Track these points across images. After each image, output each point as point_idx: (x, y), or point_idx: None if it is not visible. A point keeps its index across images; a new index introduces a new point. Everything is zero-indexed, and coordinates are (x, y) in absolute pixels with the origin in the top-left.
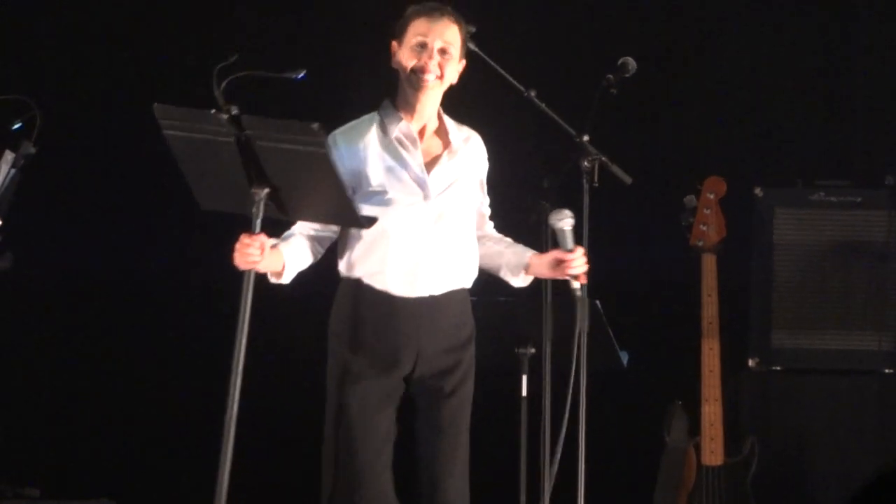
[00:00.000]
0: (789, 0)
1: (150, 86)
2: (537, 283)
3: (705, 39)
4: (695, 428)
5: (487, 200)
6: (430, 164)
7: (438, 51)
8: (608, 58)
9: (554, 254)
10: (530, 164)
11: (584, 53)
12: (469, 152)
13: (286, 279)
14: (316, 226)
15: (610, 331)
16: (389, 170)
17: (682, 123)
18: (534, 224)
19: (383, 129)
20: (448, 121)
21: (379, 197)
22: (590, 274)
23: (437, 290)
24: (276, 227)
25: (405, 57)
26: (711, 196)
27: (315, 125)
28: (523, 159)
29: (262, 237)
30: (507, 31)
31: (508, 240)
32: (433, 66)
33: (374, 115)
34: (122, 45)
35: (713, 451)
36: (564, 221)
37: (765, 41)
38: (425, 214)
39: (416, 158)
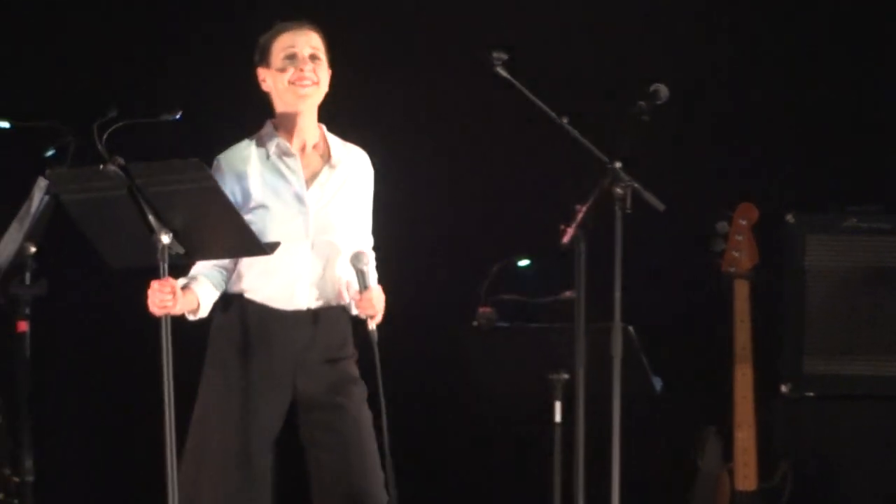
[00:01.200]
0: (820, 24)
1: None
2: (570, 308)
3: (736, 64)
4: (728, 453)
5: (366, 223)
6: (311, 179)
7: (309, 57)
8: (640, 84)
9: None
10: (562, 190)
11: (616, 80)
12: (351, 167)
13: (203, 314)
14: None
15: (643, 357)
16: (269, 186)
17: (713, 149)
18: (566, 250)
19: (263, 147)
20: (331, 137)
21: (260, 212)
22: (624, 300)
23: (315, 303)
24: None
25: (277, 75)
26: (744, 222)
27: (194, 160)
28: (555, 185)
29: (172, 281)
30: (539, 57)
31: (367, 268)
32: (308, 72)
33: (254, 137)
34: (157, 69)
35: (746, 477)
36: (362, 263)
37: (796, 65)
38: (305, 228)
39: (295, 173)
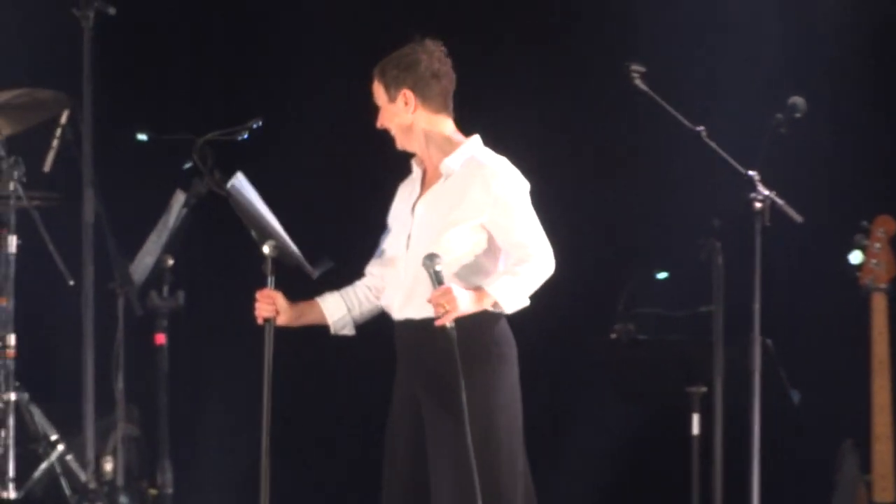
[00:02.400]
0: None
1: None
2: (708, 322)
3: (875, 76)
4: (866, 465)
5: (507, 234)
6: (423, 195)
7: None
8: (778, 96)
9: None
10: (700, 202)
11: (753, 92)
12: (462, 182)
13: (337, 330)
14: (372, 271)
15: (781, 370)
16: (400, 203)
17: (852, 161)
18: (704, 262)
19: (414, 168)
20: (460, 151)
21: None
22: (763, 313)
23: (413, 314)
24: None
25: None
26: (882, 234)
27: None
28: (693, 198)
29: (272, 293)
30: (676, 69)
31: (441, 269)
32: (379, 125)
33: None
34: (285, 81)
35: (884, 489)
36: (435, 265)
37: None
38: (406, 242)
39: (414, 191)
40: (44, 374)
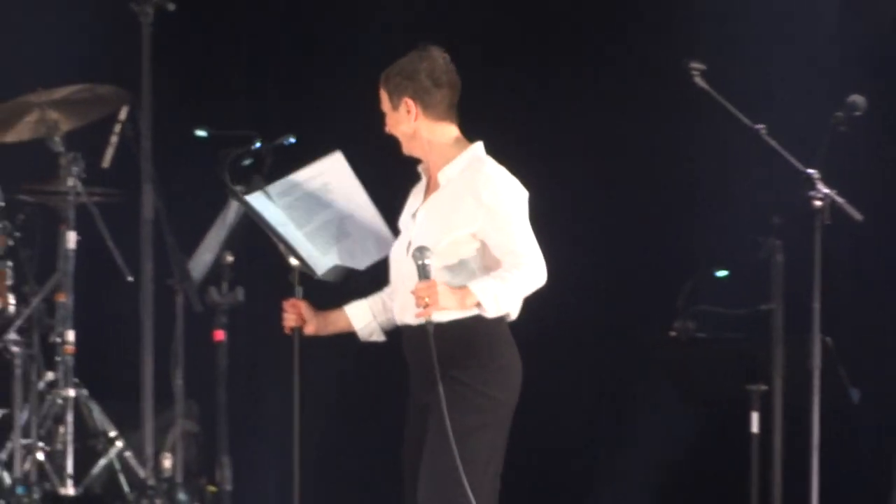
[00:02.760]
0: None
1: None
2: (767, 319)
3: None
4: None
5: (498, 243)
6: (423, 202)
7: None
8: (838, 94)
9: None
10: (760, 200)
11: (813, 90)
12: (458, 191)
13: (365, 338)
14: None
15: (841, 368)
16: (407, 210)
17: None
18: (764, 260)
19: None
20: (460, 158)
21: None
22: (823, 311)
23: (411, 320)
24: None
25: None
26: None
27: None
28: (753, 196)
29: (297, 303)
30: (736, 67)
31: (429, 262)
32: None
33: None
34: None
35: None
36: (424, 258)
37: None
38: (406, 247)
39: (418, 199)
40: (103, 370)
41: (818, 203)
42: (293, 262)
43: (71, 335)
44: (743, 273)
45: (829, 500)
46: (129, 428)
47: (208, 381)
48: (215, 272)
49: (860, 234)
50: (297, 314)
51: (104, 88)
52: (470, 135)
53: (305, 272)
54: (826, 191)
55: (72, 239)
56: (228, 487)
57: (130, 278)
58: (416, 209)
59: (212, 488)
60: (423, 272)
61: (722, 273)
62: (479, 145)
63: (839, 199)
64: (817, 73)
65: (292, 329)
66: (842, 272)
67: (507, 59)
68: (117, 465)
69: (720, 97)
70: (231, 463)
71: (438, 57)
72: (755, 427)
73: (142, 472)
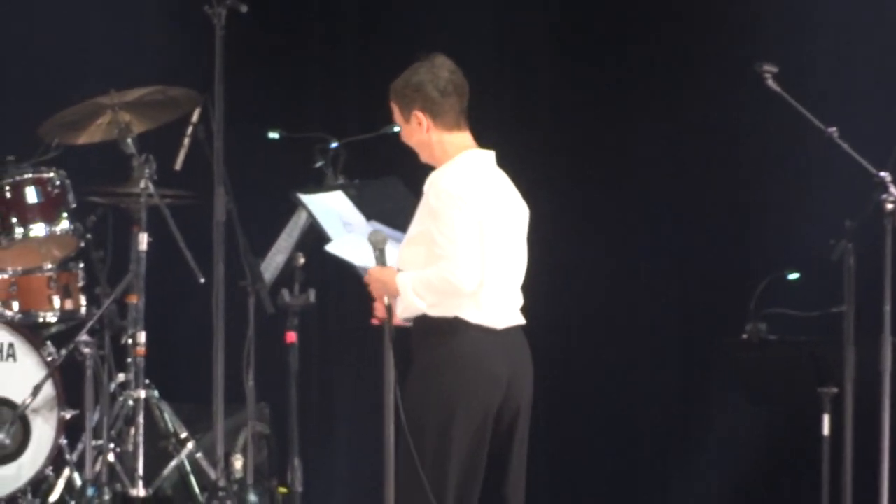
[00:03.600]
0: None
1: None
2: (840, 321)
3: None
4: None
5: (433, 242)
6: None
7: None
8: None
9: None
10: (833, 203)
11: (885, 92)
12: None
13: None
14: None
15: None
16: None
17: None
18: (836, 263)
19: None
20: (443, 168)
21: None
22: (893, 315)
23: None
24: None
25: None
26: None
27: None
28: (826, 199)
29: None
30: (808, 69)
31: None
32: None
33: None
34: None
35: None
36: (381, 244)
37: None
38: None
39: None
40: (174, 372)
41: (890, 206)
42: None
43: (142, 337)
44: (815, 276)
45: None
46: (200, 429)
47: (280, 382)
48: (287, 274)
49: None
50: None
51: (177, 90)
52: (513, 136)
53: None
54: None
55: (143, 240)
56: (299, 489)
57: (202, 280)
58: None
59: (282, 490)
60: (380, 259)
61: (794, 276)
62: (473, 153)
63: None
64: (890, 76)
65: (381, 320)
66: None
67: (581, 58)
68: (188, 467)
69: (792, 100)
70: (302, 465)
71: (443, 65)
72: (826, 430)
73: (212, 474)
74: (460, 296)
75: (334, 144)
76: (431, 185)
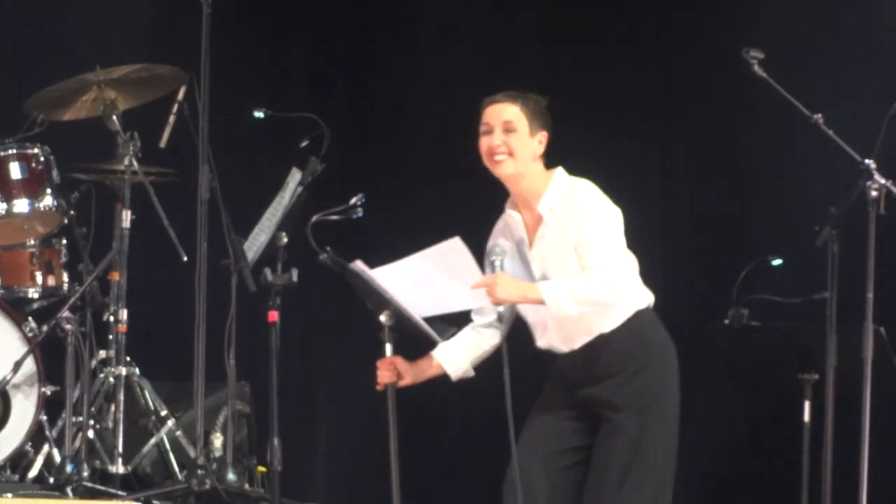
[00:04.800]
0: None
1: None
2: (822, 308)
3: None
4: None
5: (590, 253)
6: (533, 237)
7: (502, 129)
8: None
9: None
10: (817, 190)
11: (871, 79)
12: (563, 212)
13: (458, 377)
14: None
15: (895, 359)
16: (513, 258)
17: None
18: (820, 248)
19: (506, 217)
20: (554, 185)
21: None
22: (877, 302)
23: (567, 344)
24: None
25: (480, 144)
26: None
27: (353, 264)
28: (810, 185)
29: (390, 359)
30: (794, 56)
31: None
32: (497, 142)
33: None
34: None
35: None
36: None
37: None
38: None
39: (516, 235)
40: (155, 349)
41: (874, 193)
42: (383, 319)
43: (124, 314)
44: (798, 262)
45: (879, 491)
46: (180, 407)
47: (261, 362)
48: (270, 253)
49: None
50: (391, 371)
51: (162, 68)
52: None
53: (399, 328)
54: (882, 181)
55: (127, 218)
56: (278, 468)
57: (185, 258)
58: (527, 246)
59: (261, 469)
60: (493, 269)
61: (777, 262)
62: (561, 170)
63: (895, 190)
64: (875, 64)
65: (385, 385)
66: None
67: (554, 48)
68: (167, 445)
69: (778, 86)
70: (281, 444)
71: None
72: (807, 416)
73: (192, 452)
74: (620, 302)
75: (304, 143)
76: (582, 198)
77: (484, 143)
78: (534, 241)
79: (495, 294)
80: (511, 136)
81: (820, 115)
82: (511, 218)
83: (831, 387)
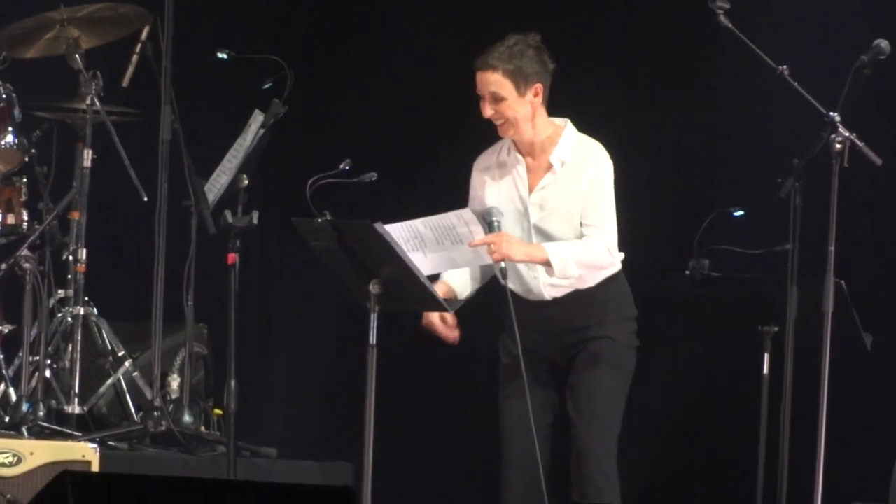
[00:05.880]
0: None
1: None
2: (784, 260)
3: None
4: None
5: (594, 214)
6: (535, 185)
7: (490, 100)
8: (863, 38)
9: None
10: (781, 142)
11: (837, 32)
12: (576, 167)
13: (464, 294)
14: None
15: (854, 312)
16: (501, 192)
17: None
18: (783, 200)
19: (504, 153)
20: (566, 137)
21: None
22: (839, 255)
23: (552, 293)
24: None
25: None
26: None
27: (376, 224)
28: (774, 137)
29: (438, 321)
30: (760, 9)
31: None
32: (489, 113)
33: (500, 141)
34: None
35: None
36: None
37: None
38: (527, 234)
39: (522, 180)
40: (114, 289)
41: (838, 146)
42: (372, 288)
43: (83, 254)
44: (760, 214)
45: (837, 444)
46: (137, 348)
47: (219, 304)
48: (230, 195)
49: (880, 179)
50: (451, 328)
51: (126, 7)
52: None
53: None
54: (846, 134)
55: (88, 157)
56: (234, 411)
57: (145, 198)
58: (527, 191)
59: (218, 411)
60: (493, 229)
61: (739, 213)
62: (569, 123)
63: (859, 143)
64: (841, 17)
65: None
66: (860, 216)
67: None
68: (124, 386)
69: (744, 37)
70: (238, 387)
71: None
72: (766, 368)
73: (148, 393)
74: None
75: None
76: (597, 161)
77: (482, 107)
78: (535, 186)
79: (501, 251)
80: (500, 104)
81: (785, 67)
82: (514, 160)
83: (791, 339)
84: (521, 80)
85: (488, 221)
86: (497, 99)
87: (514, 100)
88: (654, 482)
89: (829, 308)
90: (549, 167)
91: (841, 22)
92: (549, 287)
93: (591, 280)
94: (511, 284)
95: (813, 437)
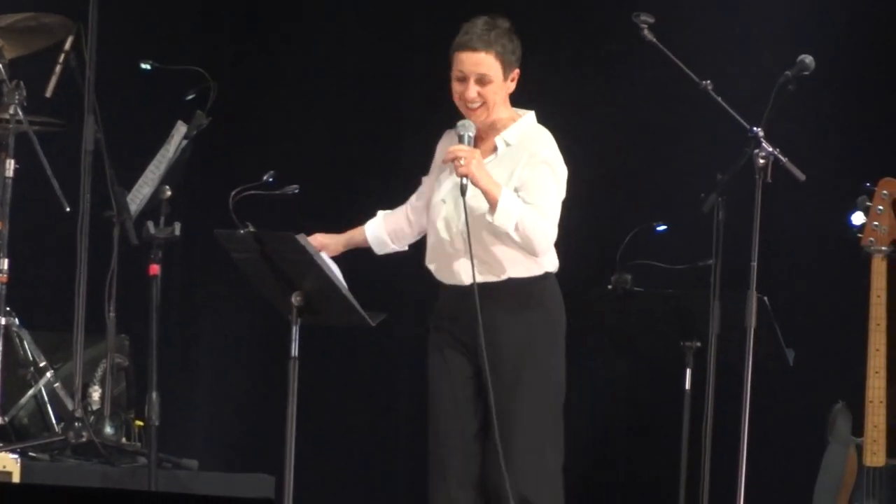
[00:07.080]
0: None
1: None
2: (707, 275)
3: (881, 37)
4: (857, 429)
5: (535, 198)
6: None
7: (476, 81)
8: (786, 54)
9: None
10: (704, 157)
11: (761, 48)
12: (514, 155)
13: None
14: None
15: (777, 328)
16: (447, 167)
17: (858, 121)
18: (707, 215)
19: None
20: (518, 124)
21: (433, 198)
22: (761, 270)
23: (478, 278)
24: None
25: (453, 87)
26: (885, 196)
27: (289, 235)
28: (697, 152)
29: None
30: (685, 23)
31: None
32: (472, 94)
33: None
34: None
35: (875, 453)
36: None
37: None
38: (460, 212)
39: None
40: (35, 300)
41: (762, 161)
42: (294, 300)
43: (5, 263)
44: (683, 228)
45: (759, 459)
46: (59, 359)
47: (141, 315)
48: (153, 206)
49: (803, 195)
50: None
51: (50, 17)
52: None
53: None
54: (770, 149)
55: (10, 167)
56: (156, 422)
57: (68, 209)
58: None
59: (139, 423)
60: (462, 142)
61: (662, 227)
62: (532, 114)
63: (783, 159)
64: (765, 33)
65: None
66: (782, 231)
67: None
68: (45, 396)
69: (668, 51)
70: (159, 398)
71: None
72: (688, 383)
73: (70, 404)
74: (544, 254)
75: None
76: (546, 145)
77: (457, 89)
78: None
79: (468, 167)
80: (486, 86)
81: (709, 82)
82: (466, 139)
83: (713, 354)
84: (507, 64)
85: (460, 135)
86: (484, 81)
87: (499, 83)
88: (574, 500)
89: (751, 323)
90: (495, 148)
91: (765, 37)
92: (470, 271)
93: (515, 269)
94: (432, 266)
95: (735, 453)
